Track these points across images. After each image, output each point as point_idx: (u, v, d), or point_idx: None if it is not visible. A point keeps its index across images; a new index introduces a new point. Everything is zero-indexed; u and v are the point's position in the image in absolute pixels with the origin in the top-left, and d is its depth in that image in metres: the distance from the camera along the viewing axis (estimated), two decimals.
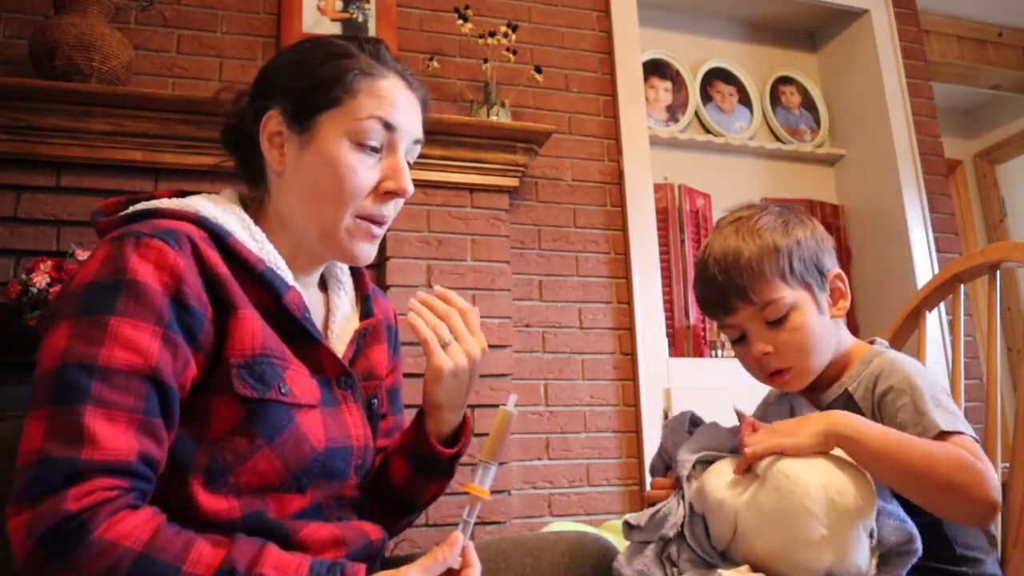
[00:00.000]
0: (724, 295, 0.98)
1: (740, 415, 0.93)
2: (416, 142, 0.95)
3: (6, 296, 1.70)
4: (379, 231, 0.93)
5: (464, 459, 1.03)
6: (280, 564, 0.74)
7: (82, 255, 1.73)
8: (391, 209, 0.93)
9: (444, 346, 0.93)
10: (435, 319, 0.94)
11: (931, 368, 1.23)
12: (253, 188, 0.97)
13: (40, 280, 1.65)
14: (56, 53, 1.86)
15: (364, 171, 0.89)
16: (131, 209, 0.88)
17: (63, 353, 0.73)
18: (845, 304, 1.01)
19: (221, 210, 0.89)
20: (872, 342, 1.03)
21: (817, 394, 1.01)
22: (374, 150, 0.90)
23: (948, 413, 0.88)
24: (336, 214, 0.89)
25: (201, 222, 0.85)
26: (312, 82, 0.90)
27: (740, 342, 1.00)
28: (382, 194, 0.91)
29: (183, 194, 0.93)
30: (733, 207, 1.06)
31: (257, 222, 0.92)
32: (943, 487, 0.82)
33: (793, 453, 0.84)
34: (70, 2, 1.90)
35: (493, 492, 1.00)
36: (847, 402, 0.97)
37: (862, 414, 0.94)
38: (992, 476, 0.82)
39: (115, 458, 0.71)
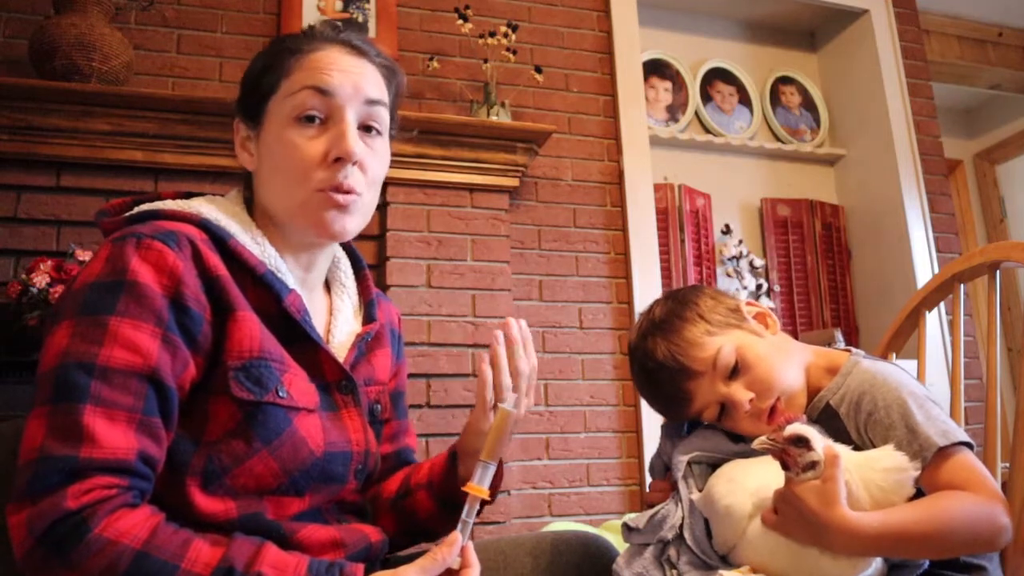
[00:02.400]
0: (677, 387, 0.97)
1: (766, 449, 0.88)
2: (371, 102, 0.91)
3: (6, 296, 1.70)
4: (345, 199, 0.88)
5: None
6: (278, 563, 0.74)
7: (82, 255, 1.73)
8: (352, 177, 0.89)
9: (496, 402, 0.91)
10: (506, 376, 0.91)
11: (929, 370, 1.23)
12: (249, 192, 0.98)
13: (40, 280, 1.65)
14: (56, 53, 1.86)
15: (307, 144, 0.88)
16: (135, 210, 0.88)
17: (63, 352, 0.73)
18: (773, 320, 1.02)
19: (223, 212, 0.89)
20: (848, 351, 1.02)
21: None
22: (316, 119, 0.88)
23: (940, 423, 0.88)
24: (294, 191, 0.88)
25: (203, 224, 0.85)
26: (254, 77, 0.93)
27: (724, 413, 0.98)
28: (332, 162, 0.88)
29: (188, 195, 0.93)
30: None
31: (259, 225, 0.92)
32: (968, 548, 0.86)
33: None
34: (70, 2, 1.90)
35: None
36: (831, 418, 0.95)
37: (846, 430, 0.93)
38: (1001, 514, 0.83)
39: (114, 457, 0.71)
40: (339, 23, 0.95)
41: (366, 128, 0.91)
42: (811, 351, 1.03)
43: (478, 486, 0.83)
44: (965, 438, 0.87)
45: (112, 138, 1.91)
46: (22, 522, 0.68)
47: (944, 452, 0.86)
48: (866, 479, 0.83)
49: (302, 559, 0.75)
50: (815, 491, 0.81)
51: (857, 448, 0.90)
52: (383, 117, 0.93)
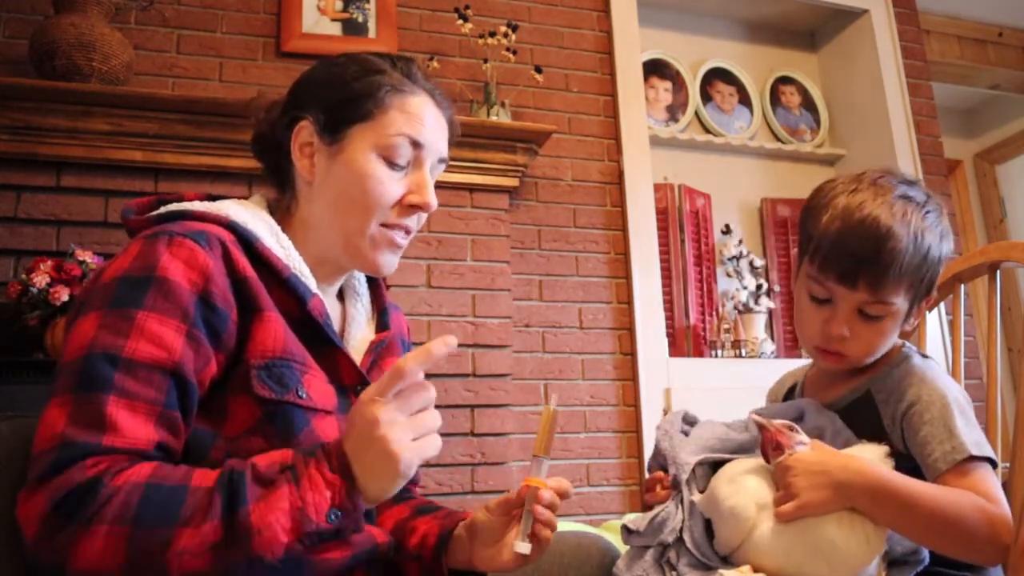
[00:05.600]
0: (855, 268, 0.91)
1: (760, 424, 0.91)
2: (440, 160, 0.97)
3: (6, 296, 1.70)
4: (403, 241, 0.95)
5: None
6: (264, 456, 0.76)
7: (82, 255, 1.73)
8: (414, 222, 0.95)
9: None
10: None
11: None
12: (281, 195, 0.99)
13: (40, 280, 1.65)
14: (56, 53, 1.86)
15: (390, 183, 0.92)
16: (163, 209, 0.90)
17: (90, 343, 0.75)
18: (916, 323, 1.00)
19: (251, 215, 0.91)
20: (902, 344, 1.02)
21: (839, 386, 1.01)
22: (400, 166, 0.93)
23: (976, 435, 0.88)
24: (361, 223, 0.92)
25: (231, 226, 0.87)
26: (345, 95, 0.93)
27: (821, 304, 0.96)
28: (406, 207, 0.93)
29: (212, 197, 0.95)
30: (881, 168, 0.99)
31: (284, 229, 0.94)
32: (963, 549, 0.85)
33: (818, 513, 0.85)
34: (70, 2, 1.90)
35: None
36: (867, 404, 0.96)
37: (879, 418, 0.94)
38: (1008, 524, 0.83)
39: (134, 447, 0.72)
40: (413, 62, 1.00)
41: None
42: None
43: (536, 479, 0.87)
44: (994, 457, 0.88)
45: (112, 138, 1.91)
46: (39, 500, 0.68)
47: (973, 461, 0.86)
48: None
49: (287, 451, 0.77)
50: (810, 450, 0.87)
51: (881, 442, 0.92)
52: (440, 172, 0.99)
